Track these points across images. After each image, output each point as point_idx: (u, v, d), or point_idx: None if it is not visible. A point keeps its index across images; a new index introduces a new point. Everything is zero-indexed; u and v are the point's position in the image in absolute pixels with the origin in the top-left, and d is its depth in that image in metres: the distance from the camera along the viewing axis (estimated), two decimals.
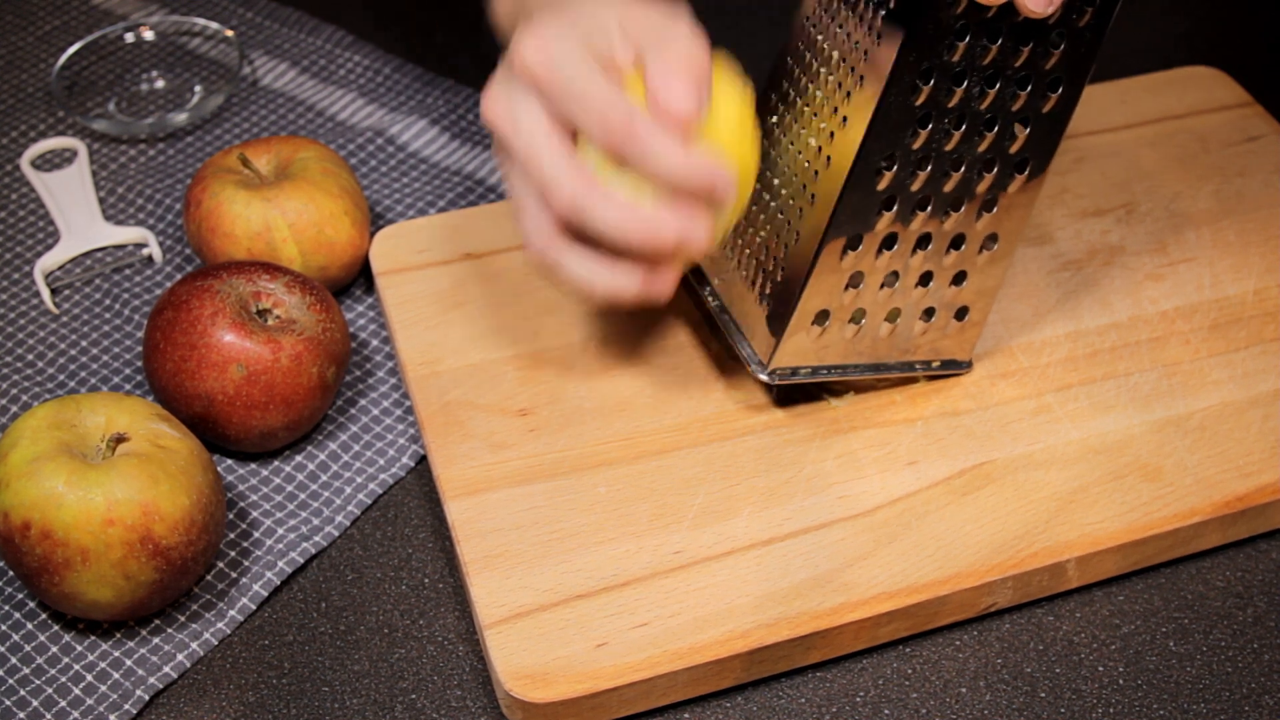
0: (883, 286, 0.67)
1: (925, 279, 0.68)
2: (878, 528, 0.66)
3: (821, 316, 0.67)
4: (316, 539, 0.69)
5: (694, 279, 0.73)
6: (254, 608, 0.67)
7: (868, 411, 0.71)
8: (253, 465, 0.72)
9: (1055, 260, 0.79)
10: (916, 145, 0.63)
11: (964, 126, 0.63)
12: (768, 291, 0.68)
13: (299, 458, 0.72)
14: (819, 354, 0.68)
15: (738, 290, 0.70)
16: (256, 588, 0.67)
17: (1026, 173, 0.66)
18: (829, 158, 0.64)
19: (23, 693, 0.63)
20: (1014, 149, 0.65)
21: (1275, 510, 0.68)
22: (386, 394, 0.75)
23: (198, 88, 0.92)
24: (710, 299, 0.72)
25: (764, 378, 0.68)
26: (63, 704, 0.63)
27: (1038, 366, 0.73)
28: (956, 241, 0.67)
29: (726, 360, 0.73)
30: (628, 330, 0.74)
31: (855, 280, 0.66)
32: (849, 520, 0.66)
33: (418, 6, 1.00)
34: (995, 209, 0.66)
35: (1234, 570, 0.69)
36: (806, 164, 0.65)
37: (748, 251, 0.69)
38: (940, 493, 0.68)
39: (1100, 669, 0.65)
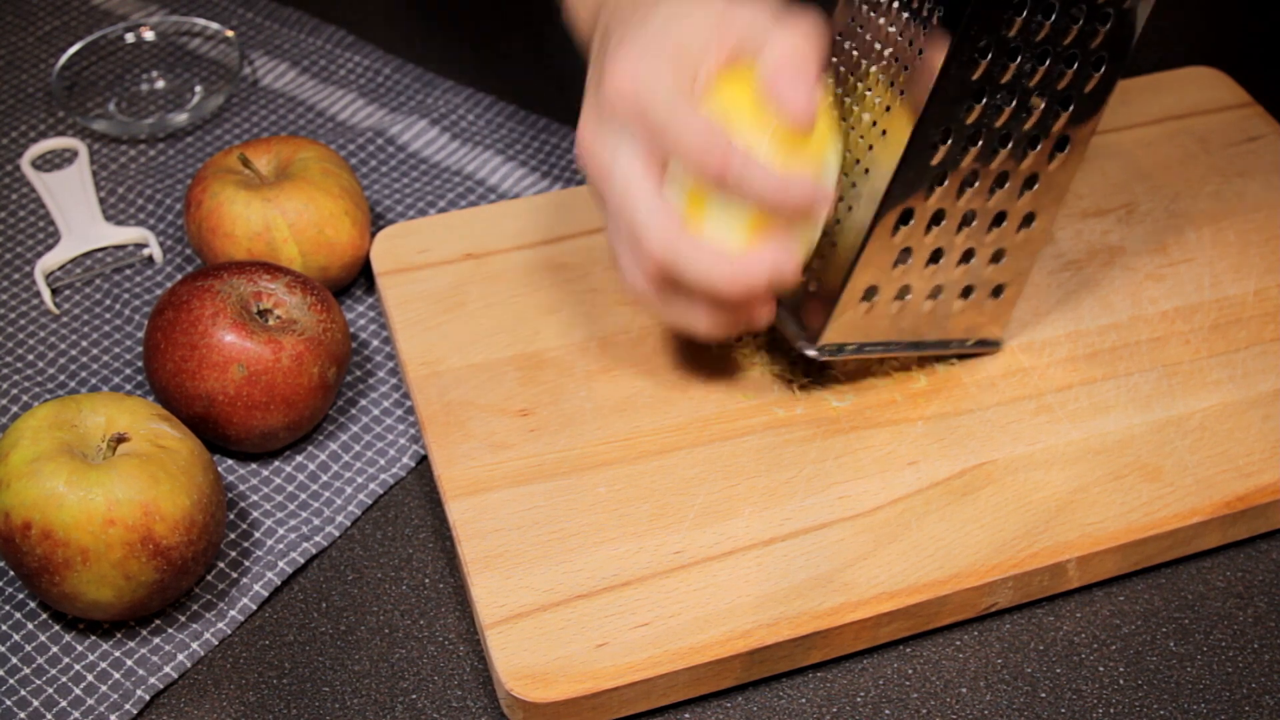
0: (928, 263, 0.68)
1: (967, 256, 0.69)
2: (878, 528, 0.66)
3: (870, 292, 0.67)
4: (317, 539, 0.69)
5: None
6: (254, 608, 0.67)
7: (868, 411, 0.71)
8: (253, 465, 0.72)
9: (1055, 260, 0.79)
10: (970, 120, 0.64)
11: (1014, 103, 0.64)
12: (815, 267, 0.68)
13: (299, 458, 0.72)
14: (865, 330, 0.69)
15: None
16: (257, 588, 0.67)
17: (1066, 151, 0.67)
18: (884, 131, 0.64)
19: (23, 693, 0.63)
20: (1057, 127, 0.66)
21: (1275, 510, 0.68)
22: (387, 394, 0.75)
23: (198, 88, 0.92)
24: None
25: (812, 353, 0.68)
26: (63, 704, 0.63)
27: (1038, 366, 0.73)
28: (998, 219, 0.68)
29: (727, 360, 0.73)
30: (628, 330, 0.74)
31: (904, 256, 0.67)
32: (849, 520, 0.66)
33: (418, 6, 1.00)
34: (1036, 186, 0.68)
35: (1234, 570, 0.69)
36: (860, 138, 0.66)
37: None
38: (940, 493, 0.68)
39: (1100, 669, 0.65)
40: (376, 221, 0.84)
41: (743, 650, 0.62)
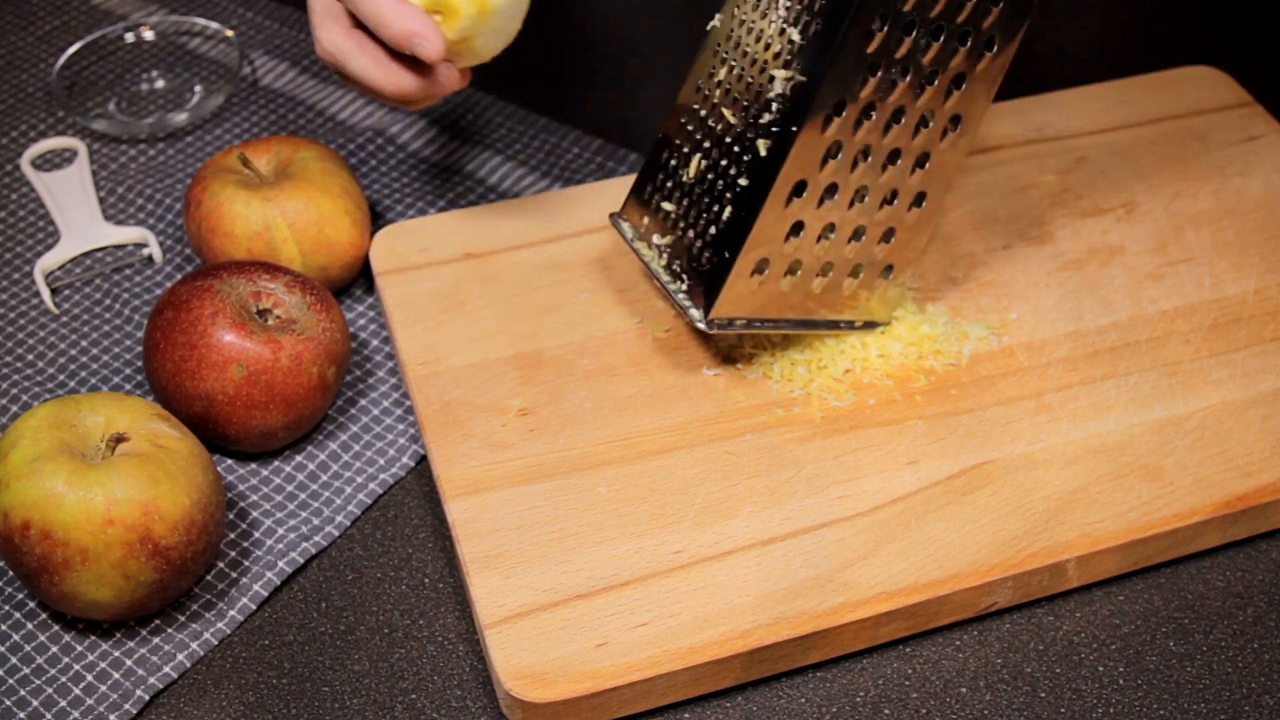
0: (820, 239, 0.69)
1: (858, 234, 0.70)
2: (878, 527, 0.66)
3: (762, 265, 0.68)
4: (316, 539, 0.69)
5: (631, 232, 0.73)
6: (254, 608, 0.67)
7: (867, 411, 0.71)
8: (253, 465, 0.72)
9: (1055, 260, 0.78)
10: (865, 94, 0.65)
11: (908, 78, 0.65)
12: (710, 238, 0.68)
13: (299, 458, 0.72)
14: (755, 305, 0.69)
15: (677, 240, 0.70)
16: (256, 588, 0.67)
17: (958, 130, 0.69)
18: (780, 103, 0.65)
19: (23, 693, 0.63)
20: (949, 105, 0.67)
21: (1275, 510, 0.68)
22: (386, 394, 0.75)
23: (198, 88, 0.92)
24: (649, 251, 0.72)
25: (702, 326, 0.68)
26: (63, 704, 0.63)
27: (1038, 366, 0.73)
28: (890, 197, 0.69)
29: (726, 360, 0.73)
30: (628, 330, 0.74)
31: (796, 229, 0.68)
32: (849, 520, 0.66)
33: None
34: (928, 165, 0.69)
35: (1234, 570, 0.69)
36: (755, 109, 0.66)
37: (686, 201, 0.70)
38: (940, 493, 0.68)
39: (1100, 669, 0.65)
40: (376, 221, 0.84)
41: (742, 650, 0.62)
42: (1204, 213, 0.81)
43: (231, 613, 0.66)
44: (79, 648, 0.65)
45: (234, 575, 0.68)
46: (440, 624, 0.66)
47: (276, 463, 0.72)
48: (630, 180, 0.82)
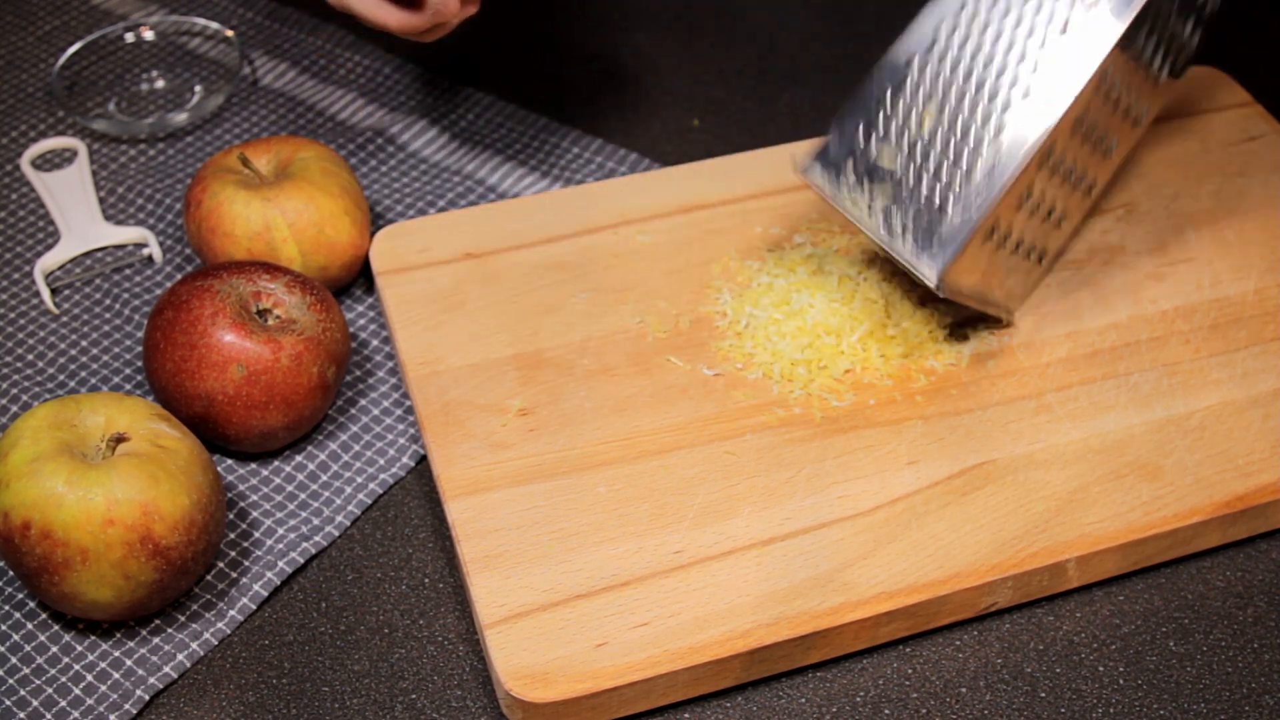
0: (1033, 214, 0.67)
1: (1053, 215, 0.69)
2: (878, 527, 0.66)
3: (992, 230, 0.66)
4: (316, 539, 0.69)
5: (831, 188, 0.69)
6: (254, 608, 0.67)
7: (868, 411, 0.71)
8: (253, 465, 0.72)
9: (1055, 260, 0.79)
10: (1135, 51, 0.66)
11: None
12: (949, 195, 0.65)
13: (299, 458, 0.72)
14: (974, 272, 0.66)
15: (898, 194, 0.67)
16: (256, 588, 0.67)
17: (1140, 123, 0.71)
18: (1043, 62, 0.64)
19: (23, 693, 0.63)
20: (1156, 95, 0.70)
21: (1275, 510, 0.68)
22: (386, 394, 0.75)
23: (198, 88, 0.92)
24: (858, 206, 0.68)
25: (932, 284, 0.66)
26: (63, 704, 0.63)
27: (1038, 366, 0.73)
28: (1091, 184, 0.70)
29: (726, 359, 0.73)
30: (628, 330, 0.74)
31: (1025, 197, 0.66)
32: (849, 520, 0.66)
33: None
34: (1110, 155, 0.70)
35: (1234, 570, 0.69)
36: (1015, 64, 0.64)
37: (918, 154, 0.67)
38: (940, 493, 0.68)
39: (1100, 669, 0.65)
40: (376, 221, 0.84)
41: (742, 650, 0.62)
42: (1204, 213, 0.81)
43: (231, 613, 0.66)
44: (79, 648, 0.65)
45: (234, 575, 0.68)
46: (440, 624, 0.66)
47: (276, 463, 0.72)
48: (641, 175, 0.82)
